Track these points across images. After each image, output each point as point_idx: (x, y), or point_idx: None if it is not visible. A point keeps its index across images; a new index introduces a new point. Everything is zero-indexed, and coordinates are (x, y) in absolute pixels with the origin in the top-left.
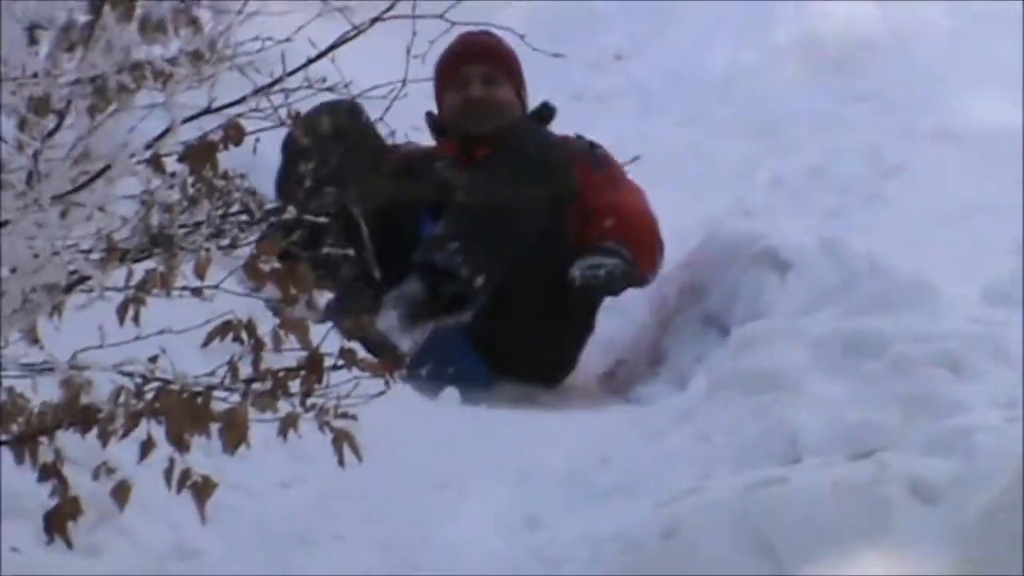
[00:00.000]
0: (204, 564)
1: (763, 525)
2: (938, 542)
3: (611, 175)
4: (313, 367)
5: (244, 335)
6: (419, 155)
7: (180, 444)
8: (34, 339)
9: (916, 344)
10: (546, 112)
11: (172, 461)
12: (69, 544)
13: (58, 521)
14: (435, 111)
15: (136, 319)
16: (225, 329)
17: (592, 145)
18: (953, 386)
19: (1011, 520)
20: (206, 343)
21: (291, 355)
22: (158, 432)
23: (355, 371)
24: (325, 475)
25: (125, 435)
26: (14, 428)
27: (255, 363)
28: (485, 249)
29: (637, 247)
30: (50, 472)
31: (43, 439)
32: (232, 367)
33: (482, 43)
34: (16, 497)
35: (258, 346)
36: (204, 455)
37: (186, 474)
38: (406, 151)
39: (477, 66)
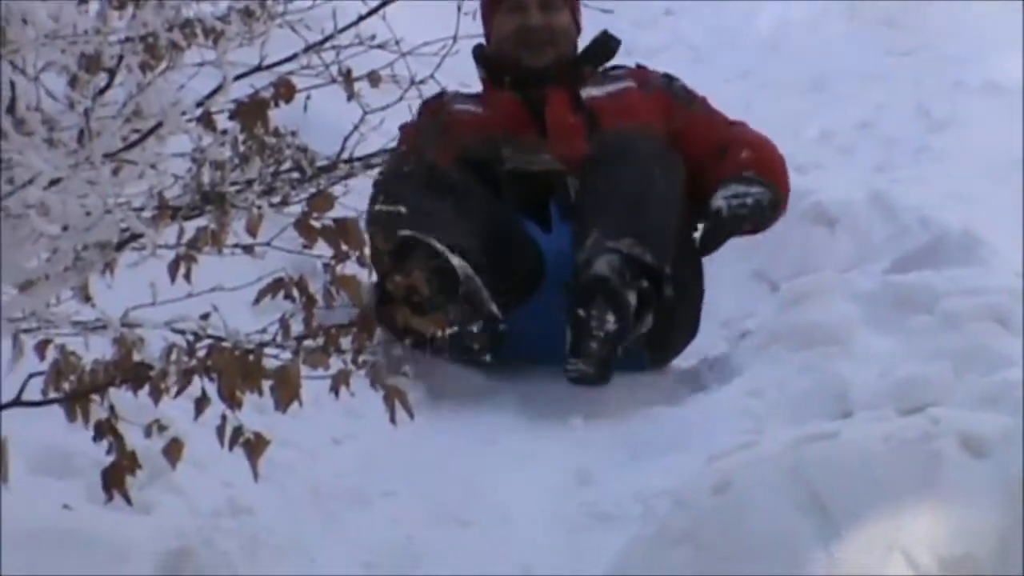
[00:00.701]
0: (257, 521)
1: (814, 480)
2: (990, 496)
3: (707, 106)
4: (364, 324)
5: (295, 292)
6: (473, 130)
7: (232, 401)
8: (86, 297)
9: (965, 298)
10: (610, 44)
11: (224, 418)
12: (128, 500)
13: (115, 477)
14: (483, 44)
15: (188, 277)
16: (276, 286)
17: (669, 78)
18: (1002, 340)
19: None
20: (257, 300)
21: (343, 312)
22: (210, 389)
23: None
24: (376, 432)
25: (179, 393)
26: (66, 386)
27: (306, 320)
28: (655, 230)
29: (775, 177)
30: (105, 429)
31: (95, 397)
32: (284, 324)
33: None
34: (68, 456)
35: (310, 303)
36: (256, 412)
37: (238, 431)
38: (452, 114)
39: None
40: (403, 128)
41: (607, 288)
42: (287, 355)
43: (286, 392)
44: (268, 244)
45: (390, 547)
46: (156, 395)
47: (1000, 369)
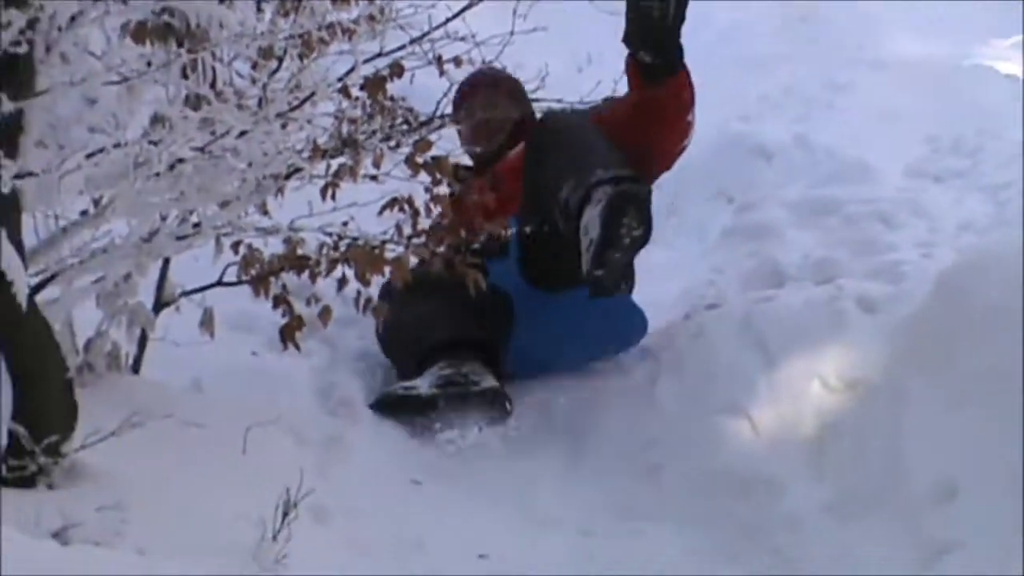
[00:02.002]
0: (383, 359)
1: (759, 329)
2: (878, 340)
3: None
4: (451, 228)
5: (406, 206)
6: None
7: (364, 281)
8: (264, 211)
9: (860, 205)
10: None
11: (359, 292)
12: (297, 348)
13: (289, 332)
14: None
15: (333, 197)
16: (393, 203)
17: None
18: (886, 234)
19: (929, 324)
20: (380, 212)
21: (437, 219)
22: (349, 274)
23: None
24: None
25: (327, 275)
26: (253, 272)
27: (414, 225)
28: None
29: (644, 146)
30: (279, 301)
31: (272, 279)
32: (398, 228)
33: (482, 75)
34: (254, 319)
35: (415, 214)
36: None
37: (368, 301)
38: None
39: (478, 96)
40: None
41: (639, 198)
42: (400, 249)
43: (400, 273)
44: (387, 174)
45: None
46: (312, 277)
47: (884, 253)
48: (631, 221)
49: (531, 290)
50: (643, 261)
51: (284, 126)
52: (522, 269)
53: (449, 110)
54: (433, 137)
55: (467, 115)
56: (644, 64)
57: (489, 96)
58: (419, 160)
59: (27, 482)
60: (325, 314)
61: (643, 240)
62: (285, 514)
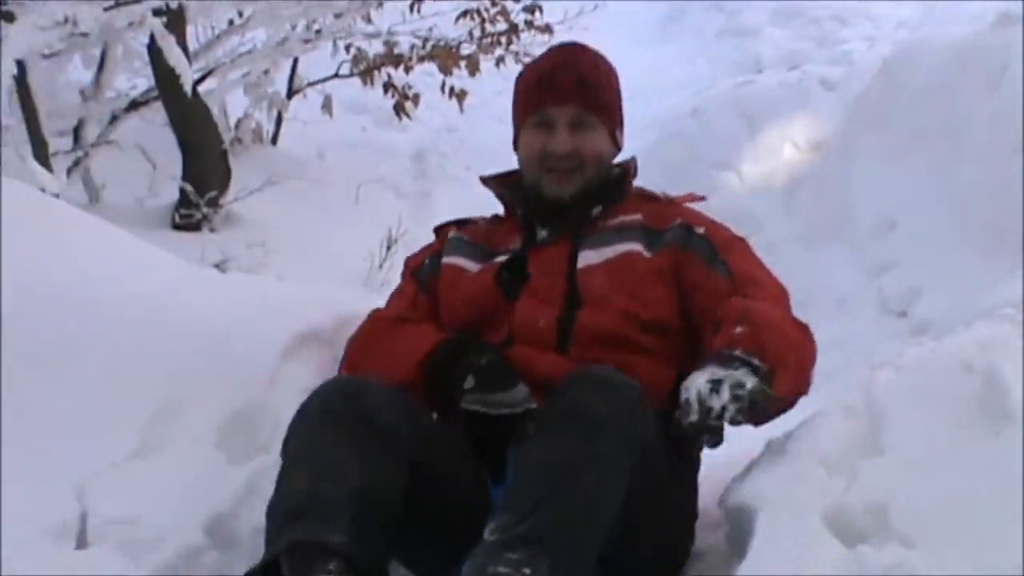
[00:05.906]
0: (461, 135)
1: (746, 105)
2: (836, 113)
3: (731, 262)
4: (512, 31)
5: (475, 15)
6: (458, 302)
7: (446, 71)
8: (368, 20)
9: (821, 9)
10: (623, 186)
11: (443, 81)
12: (409, 116)
13: (401, 107)
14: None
15: (418, 10)
16: (465, 13)
17: (689, 229)
18: (841, 31)
19: (875, 100)
20: (457, 20)
21: (501, 25)
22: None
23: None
24: None
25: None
26: (361, 67)
27: (482, 30)
28: (569, 540)
29: (776, 357)
30: (389, 86)
31: (376, 72)
32: (470, 33)
33: (573, 70)
34: (363, 103)
35: (483, 21)
36: (457, 79)
37: (452, 88)
38: (449, 267)
39: (564, 107)
40: (407, 260)
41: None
42: (473, 47)
43: (472, 67)
44: None
45: None
46: (406, 70)
47: (840, 45)
48: None
49: None
50: (653, 64)
51: None
52: None
53: None
54: None
55: (540, 127)
56: None
57: (583, 110)
58: None
59: (194, 227)
60: (415, 99)
61: None
62: (388, 248)
